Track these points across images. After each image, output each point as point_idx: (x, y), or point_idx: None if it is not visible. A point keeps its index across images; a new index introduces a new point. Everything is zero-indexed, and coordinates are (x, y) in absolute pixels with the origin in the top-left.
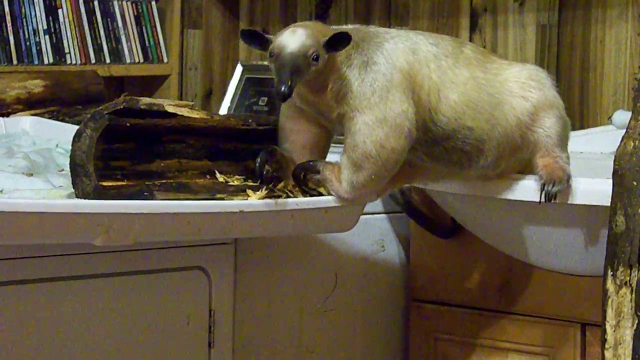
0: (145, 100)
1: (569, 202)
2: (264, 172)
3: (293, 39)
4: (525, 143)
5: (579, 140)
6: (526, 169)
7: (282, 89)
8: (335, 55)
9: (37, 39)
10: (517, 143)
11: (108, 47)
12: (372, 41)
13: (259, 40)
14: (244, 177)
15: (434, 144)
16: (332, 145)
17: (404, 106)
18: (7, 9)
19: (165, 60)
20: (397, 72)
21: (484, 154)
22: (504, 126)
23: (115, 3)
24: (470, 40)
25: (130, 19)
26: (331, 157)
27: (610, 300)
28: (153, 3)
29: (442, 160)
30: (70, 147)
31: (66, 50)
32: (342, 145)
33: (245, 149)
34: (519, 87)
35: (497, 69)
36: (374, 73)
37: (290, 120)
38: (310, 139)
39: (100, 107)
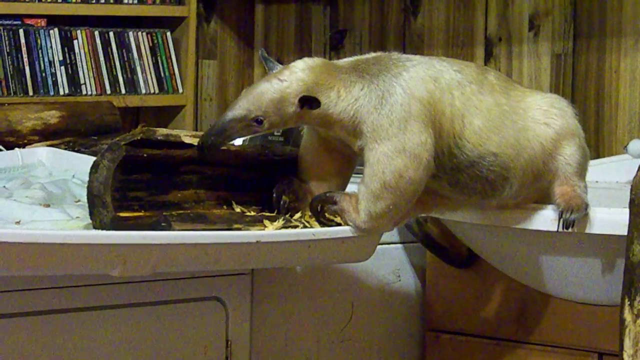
0: (162, 131)
1: (585, 231)
2: (281, 203)
3: (237, 102)
4: (547, 170)
5: (594, 170)
6: (542, 199)
7: (202, 143)
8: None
9: (53, 70)
10: (540, 170)
11: (123, 78)
12: (390, 72)
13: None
14: (260, 207)
15: (458, 171)
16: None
17: (422, 137)
18: (23, 40)
19: (181, 90)
20: (415, 102)
21: (508, 182)
22: (529, 153)
23: (131, 34)
24: None
25: (145, 50)
26: (350, 188)
27: (627, 330)
28: (168, 34)
29: (466, 189)
30: (86, 178)
31: (82, 81)
32: (361, 176)
33: (262, 180)
34: (542, 114)
35: (519, 96)
36: (391, 105)
37: (310, 151)
38: (329, 171)
39: (117, 138)
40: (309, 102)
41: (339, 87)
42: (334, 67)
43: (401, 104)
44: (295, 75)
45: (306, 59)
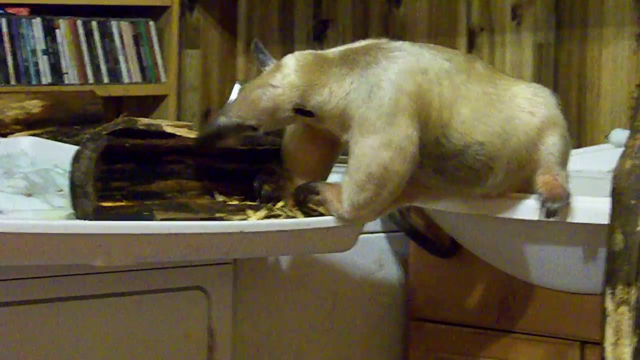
0: (144, 121)
1: (567, 220)
2: (263, 192)
3: (231, 107)
4: (530, 160)
5: (576, 159)
6: (525, 188)
7: (199, 139)
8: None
9: (35, 59)
10: (524, 159)
11: (106, 67)
12: (378, 65)
13: (261, 57)
14: (243, 197)
15: (444, 159)
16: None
17: (409, 130)
18: (5, 29)
19: (163, 80)
20: (403, 96)
21: (493, 172)
22: (515, 142)
23: (114, 23)
24: None
25: (128, 39)
26: (332, 178)
27: (609, 319)
28: (151, 23)
29: (451, 178)
30: (69, 168)
31: (64, 71)
32: (344, 165)
33: (245, 170)
34: (527, 103)
35: (505, 85)
36: (379, 99)
37: (293, 141)
38: (312, 161)
39: (99, 128)
40: (302, 111)
41: (330, 83)
42: (325, 60)
43: (389, 97)
44: (287, 80)
45: (297, 55)
